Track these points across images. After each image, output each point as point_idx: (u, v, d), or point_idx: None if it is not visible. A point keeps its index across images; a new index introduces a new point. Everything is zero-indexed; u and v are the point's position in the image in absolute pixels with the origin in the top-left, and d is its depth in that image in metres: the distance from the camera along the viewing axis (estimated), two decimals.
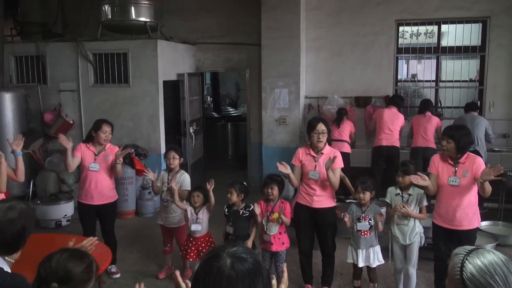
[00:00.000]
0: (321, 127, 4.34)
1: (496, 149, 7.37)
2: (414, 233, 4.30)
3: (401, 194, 4.36)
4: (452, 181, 4.00)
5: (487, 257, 1.61)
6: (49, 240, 4.24)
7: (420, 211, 4.33)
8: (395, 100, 7.37)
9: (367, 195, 4.35)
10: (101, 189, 4.89)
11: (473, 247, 1.71)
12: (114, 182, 5.10)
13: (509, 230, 6.05)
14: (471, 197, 4.03)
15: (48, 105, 7.82)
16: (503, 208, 6.45)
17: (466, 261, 1.62)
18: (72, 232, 5.43)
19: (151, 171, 5.00)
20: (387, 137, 7.11)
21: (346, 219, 4.30)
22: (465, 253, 1.66)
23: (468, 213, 4.03)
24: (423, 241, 4.41)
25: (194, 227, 4.65)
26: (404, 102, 7.58)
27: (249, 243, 4.40)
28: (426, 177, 4.13)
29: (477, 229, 4.17)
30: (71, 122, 7.60)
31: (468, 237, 4.03)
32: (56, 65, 7.81)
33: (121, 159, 4.94)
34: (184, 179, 4.92)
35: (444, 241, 4.18)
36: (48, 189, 7.06)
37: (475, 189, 4.00)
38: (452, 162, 4.05)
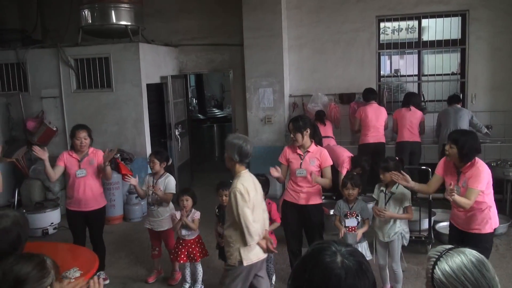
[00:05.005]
0: (290, 126, 4.39)
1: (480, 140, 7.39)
2: (393, 232, 4.28)
3: (384, 191, 4.34)
4: (456, 190, 3.65)
5: (455, 261, 1.60)
6: (35, 250, 4.16)
7: (406, 211, 4.28)
8: (369, 96, 7.29)
9: (355, 191, 4.37)
10: (90, 194, 4.83)
11: (445, 248, 1.68)
12: (102, 187, 5.04)
13: None
14: (477, 201, 3.71)
15: (30, 112, 7.72)
16: None
17: (436, 267, 1.62)
18: (59, 240, 5.39)
19: (132, 177, 4.95)
20: (374, 134, 7.11)
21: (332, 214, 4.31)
22: (436, 256, 1.65)
23: (477, 217, 3.76)
24: (405, 242, 4.36)
25: (184, 231, 4.63)
26: (376, 94, 7.53)
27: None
28: (409, 178, 4.02)
29: (490, 234, 3.83)
30: (54, 129, 7.52)
31: (477, 241, 3.67)
32: (37, 72, 7.72)
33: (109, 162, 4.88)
34: (168, 182, 4.89)
35: (456, 242, 3.76)
36: (33, 197, 6.97)
37: (485, 193, 3.74)
38: (455, 170, 3.83)
